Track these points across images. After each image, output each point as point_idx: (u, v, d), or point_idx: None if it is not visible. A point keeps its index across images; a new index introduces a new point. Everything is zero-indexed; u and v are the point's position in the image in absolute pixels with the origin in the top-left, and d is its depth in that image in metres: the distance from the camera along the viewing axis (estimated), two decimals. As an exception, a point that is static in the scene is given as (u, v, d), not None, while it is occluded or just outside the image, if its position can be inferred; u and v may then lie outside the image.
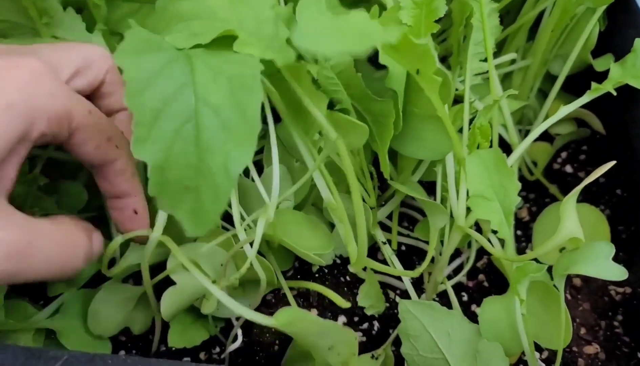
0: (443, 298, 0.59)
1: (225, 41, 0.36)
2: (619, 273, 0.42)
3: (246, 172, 0.55)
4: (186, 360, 0.54)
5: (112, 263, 0.49)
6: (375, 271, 0.57)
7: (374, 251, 0.61)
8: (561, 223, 0.46)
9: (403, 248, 0.63)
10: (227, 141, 0.33)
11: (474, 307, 0.59)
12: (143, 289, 0.51)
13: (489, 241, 0.54)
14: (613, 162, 0.47)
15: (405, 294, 0.58)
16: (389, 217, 0.62)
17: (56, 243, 0.36)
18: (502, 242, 0.57)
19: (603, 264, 0.43)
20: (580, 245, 0.46)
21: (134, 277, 0.56)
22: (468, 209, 0.53)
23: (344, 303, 0.48)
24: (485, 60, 0.56)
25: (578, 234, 0.45)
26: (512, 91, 0.51)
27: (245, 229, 0.49)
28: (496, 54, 0.70)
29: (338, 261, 0.61)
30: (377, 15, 0.52)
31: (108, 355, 0.37)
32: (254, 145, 0.33)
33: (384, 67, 0.58)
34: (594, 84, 0.55)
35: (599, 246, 0.44)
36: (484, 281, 0.61)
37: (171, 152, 0.32)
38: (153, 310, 0.51)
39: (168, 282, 0.48)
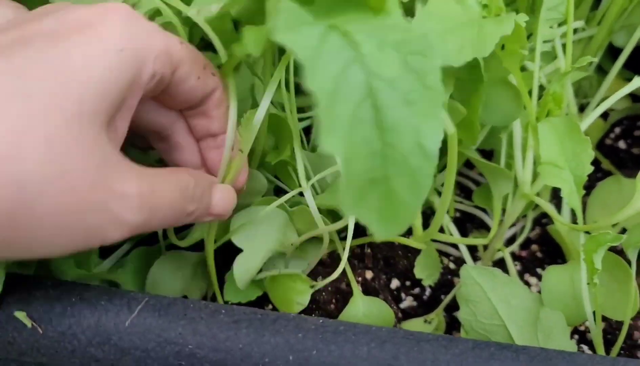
0: (497, 267, 0.58)
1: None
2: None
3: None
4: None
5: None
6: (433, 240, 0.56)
7: (427, 217, 0.60)
8: (636, 195, 0.45)
9: (457, 214, 0.62)
10: (412, 116, 0.28)
11: (526, 276, 0.59)
12: (200, 257, 0.51)
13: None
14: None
15: (459, 261, 0.58)
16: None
17: (176, 188, 0.35)
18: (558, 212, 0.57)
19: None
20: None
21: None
22: (533, 177, 0.53)
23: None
24: (553, 27, 0.54)
25: (655, 206, 0.45)
26: (588, 59, 0.50)
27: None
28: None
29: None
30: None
31: (189, 299, 0.37)
32: (443, 116, 0.29)
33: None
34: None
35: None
36: (537, 252, 0.61)
37: (351, 141, 0.27)
38: (211, 277, 0.51)
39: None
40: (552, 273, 0.50)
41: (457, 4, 0.42)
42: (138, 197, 0.32)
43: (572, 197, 0.47)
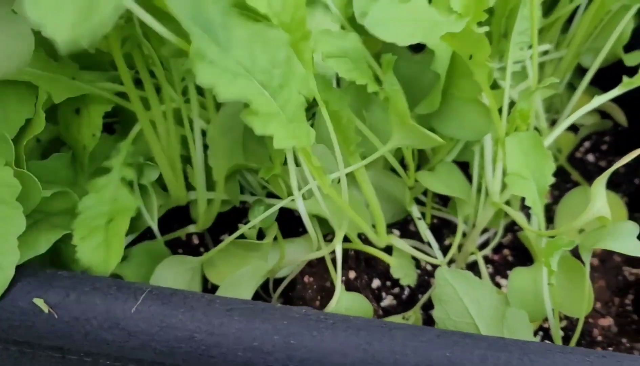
0: (470, 269, 0.63)
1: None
2: (641, 250, 0.47)
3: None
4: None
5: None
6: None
7: (408, 223, 0.66)
8: (591, 202, 0.50)
9: (435, 221, 0.67)
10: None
11: (498, 278, 0.64)
12: (199, 261, 0.56)
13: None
14: (638, 151, 0.51)
15: (435, 264, 0.63)
16: (425, 193, 0.66)
17: None
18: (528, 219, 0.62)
19: (628, 241, 0.47)
20: (606, 224, 0.50)
21: (184, 247, 0.61)
22: (503, 188, 0.58)
23: (392, 260, 0.52)
24: (523, 49, 0.60)
25: (606, 214, 0.50)
26: (553, 79, 0.55)
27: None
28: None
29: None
30: (429, 1, 0.56)
31: (188, 291, 0.42)
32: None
33: (420, 50, 0.61)
34: (625, 78, 0.59)
35: (624, 225, 0.49)
36: (508, 256, 0.66)
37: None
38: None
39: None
40: (518, 275, 0.55)
41: (430, 10, 0.47)
42: None
43: (535, 204, 0.52)
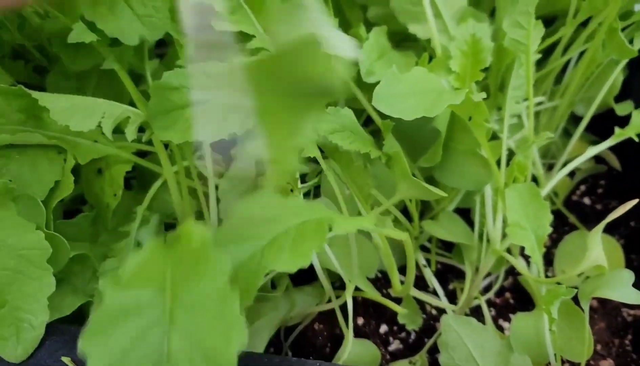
0: (474, 313, 0.66)
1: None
2: (637, 297, 0.49)
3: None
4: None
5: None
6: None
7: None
8: (588, 252, 0.53)
9: (439, 266, 0.69)
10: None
11: (500, 321, 0.66)
12: None
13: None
14: (636, 201, 0.53)
15: (441, 309, 0.65)
16: (430, 239, 0.69)
17: None
18: (528, 263, 0.64)
19: (624, 290, 0.50)
20: (603, 272, 0.53)
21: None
22: (503, 235, 0.60)
23: (400, 310, 0.54)
24: (519, 102, 0.63)
25: (602, 262, 0.52)
26: (548, 134, 0.58)
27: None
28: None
29: (379, 274, 0.67)
30: (427, 62, 0.59)
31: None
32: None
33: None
34: (617, 129, 0.62)
35: (621, 274, 0.51)
36: (509, 299, 0.68)
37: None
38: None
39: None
40: (520, 321, 0.57)
41: (430, 78, 0.50)
42: None
43: (534, 253, 0.55)
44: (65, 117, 0.44)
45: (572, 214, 0.75)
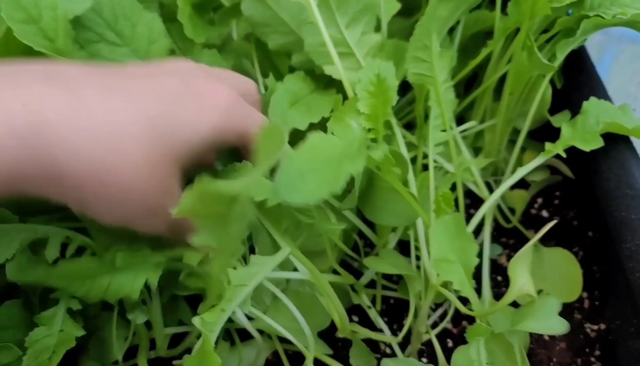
0: (429, 346, 0.65)
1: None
2: (561, 327, 0.48)
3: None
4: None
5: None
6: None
7: (363, 310, 0.67)
8: (512, 283, 0.52)
9: (392, 301, 0.69)
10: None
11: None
12: None
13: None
14: (553, 222, 0.52)
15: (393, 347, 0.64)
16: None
17: None
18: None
19: (548, 320, 0.49)
20: (533, 300, 0.51)
21: None
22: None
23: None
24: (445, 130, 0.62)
25: (529, 291, 0.51)
26: (479, 161, 0.57)
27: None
28: (468, 113, 0.77)
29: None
30: (341, 104, 0.59)
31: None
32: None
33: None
34: (547, 145, 0.61)
35: (545, 302, 0.50)
36: (467, 326, 0.67)
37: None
38: None
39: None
40: (459, 355, 0.56)
41: (329, 144, 0.50)
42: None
43: (464, 286, 0.54)
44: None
45: (529, 230, 0.74)
